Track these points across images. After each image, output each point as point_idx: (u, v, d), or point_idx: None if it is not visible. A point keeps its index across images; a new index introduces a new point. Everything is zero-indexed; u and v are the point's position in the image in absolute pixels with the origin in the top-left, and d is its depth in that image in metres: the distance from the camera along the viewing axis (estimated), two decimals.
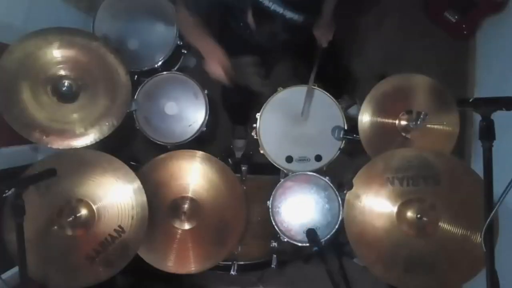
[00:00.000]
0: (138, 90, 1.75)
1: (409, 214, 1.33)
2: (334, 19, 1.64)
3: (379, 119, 1.50)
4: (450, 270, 1.31)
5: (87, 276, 1.35)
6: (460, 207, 1.31)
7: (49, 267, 1.33)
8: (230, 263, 1.68)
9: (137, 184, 1.39)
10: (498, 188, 0.88)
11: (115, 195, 1.38)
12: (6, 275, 1.42)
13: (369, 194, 1.35)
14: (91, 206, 1.37)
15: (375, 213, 1.34)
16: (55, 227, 1.35)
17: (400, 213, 1.34)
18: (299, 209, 1.59)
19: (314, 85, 1.66)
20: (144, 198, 1.38)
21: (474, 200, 1.24)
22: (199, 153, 1.53)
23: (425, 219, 1.32)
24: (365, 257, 1.35)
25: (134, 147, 2.28)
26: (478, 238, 1.25)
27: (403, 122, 1.49)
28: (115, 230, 1.36)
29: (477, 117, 0.93)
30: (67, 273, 1.36)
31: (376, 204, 1.35)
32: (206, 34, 1.41)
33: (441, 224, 1.31)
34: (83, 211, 1.37)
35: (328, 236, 1.56)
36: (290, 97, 1.65)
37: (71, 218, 1.35)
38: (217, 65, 1.38)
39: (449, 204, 1.31)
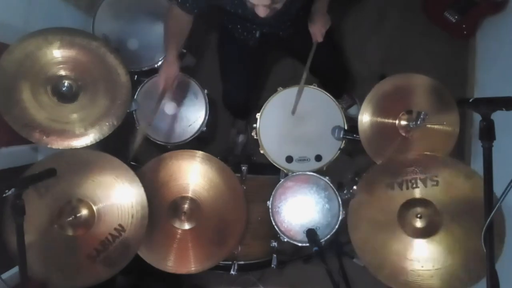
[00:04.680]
0: (138, 90, 1.75)
1: (411, 217, 1.34)
2: (328, 13, 1.64)
3: (379, 119, 1.50)
4: (456, 271, 1.30)
5: (88, 276, 1.35)
6: (461, 206, 1.31)
7: (49, 267, 1.33)
8: (230, 263, 1.67)
9: (137, 184, 1.39)
10: (498, 188, 0.89)
11: (115, 195, 1.38)
12: (6, 275, 1.42)
13: (371, 201, 1.36)
14: (91, 206, 1.37)
15: (378, 219, 1.35)
16: (56, 227, 1.35)
17: (402, 216, 1.34)
18: (299, 209, 1.59)
19: (314, 85, 1.66)
20: (144, 198, 1.38)
21: (475, 199, 1.24)
22: (199, 153, 1.53)
23: (427, 220, 1.32)
24: (371, 263, 1.35)
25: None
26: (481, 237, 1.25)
27: (403, 122, 1.49)
28: (115, 229, 1.36)
29: (477, 117, 0.93)
30: (67, 273, 1.35)
31: (379, 211, 1.36)
32: (174, 46, 1.53)
33: (443, 225, 1.31)
34: (83, 211, 1.37)
35: (328, 236, 1.56)
36: (290, 97, 1.65)
37: (71, 218, 1.35)
38: (162, 80, 1.54)
39: (449, 205, 1.31)
